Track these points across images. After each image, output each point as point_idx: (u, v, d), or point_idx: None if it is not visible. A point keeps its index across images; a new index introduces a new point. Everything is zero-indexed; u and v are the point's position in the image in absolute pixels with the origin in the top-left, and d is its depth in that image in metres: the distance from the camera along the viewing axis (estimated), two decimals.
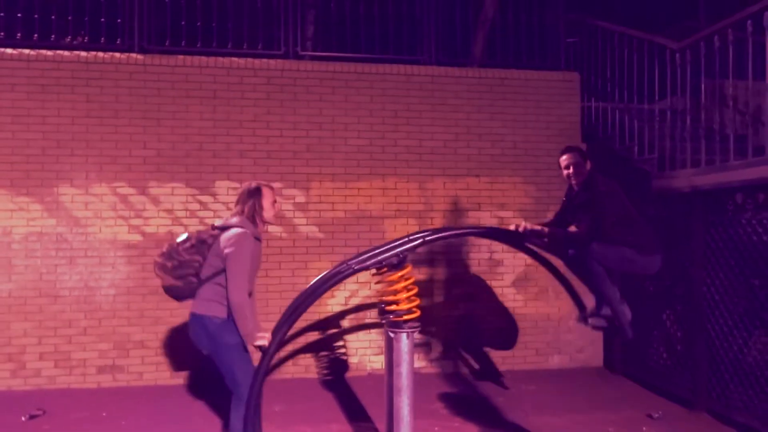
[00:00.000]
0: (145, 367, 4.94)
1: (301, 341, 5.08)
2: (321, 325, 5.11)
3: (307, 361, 5.09)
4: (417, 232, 2.95)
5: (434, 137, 5.28)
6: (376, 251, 2.77)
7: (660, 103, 4.51)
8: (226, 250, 2.88)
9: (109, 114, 4.96)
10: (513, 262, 5.35)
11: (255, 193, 3.05)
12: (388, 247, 2.78)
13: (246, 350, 2.99)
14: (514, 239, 3.38)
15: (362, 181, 5.15)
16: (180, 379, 4.93)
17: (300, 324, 4.92)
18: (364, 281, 5.13)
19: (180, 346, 4.91)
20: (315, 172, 5.12)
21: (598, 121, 5.30)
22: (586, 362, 5.45)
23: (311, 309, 4.63)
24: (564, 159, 3.43)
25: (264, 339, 2.89)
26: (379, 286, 2.90)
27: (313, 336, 5.09)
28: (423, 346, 5.19)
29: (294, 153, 5.10)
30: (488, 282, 5.31)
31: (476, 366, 5.27)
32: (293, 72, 5.17)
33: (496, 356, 5.34)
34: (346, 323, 5.15)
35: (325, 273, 2.84)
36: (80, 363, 4.87)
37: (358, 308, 5.15)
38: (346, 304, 5.15)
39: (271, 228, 5.01)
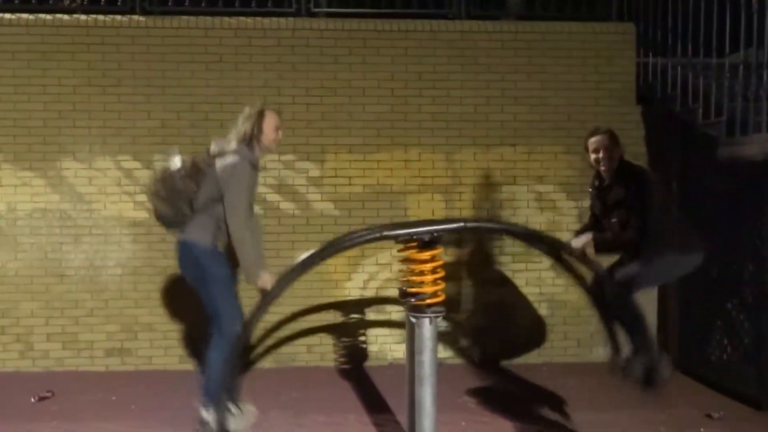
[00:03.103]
0: (154, 351, 4.75)
1: (316, 327, 4.75)
2: (337, 309, 4.77)
3: (324, 348, 4.78)
4: (458, 219, 2.93)
5: (463, 102, 4.76)
6: (411, 223, 2.63)
7: (731, 56, 3.93)
8: (223, 179, 2.83)
9: (112, 82, 4.68)
10: None
11: (256, 116, 2.95)
12: (425, 222, 2.64)
13: (231, 283, 2.94)
14: (556, 250, 2.97)
15: (382, 152, 4.72)
16: (189, 365, 4.70)
17: (314, 308, 4.68)
18: (385, 262, 4.75)
19: (189, 330, 4.69)
20: (330, 143, 4.72)
21: (656, 79, 4.62)
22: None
23: (328, 293, 4.61)
24: (593, 141, 3.08)
25: (266, 281, 2.79)
26: (400, 269, 2.73)
27: (328, 321, 4.77)
28: (449, 335, 4.79)
29: (307, 122, 4.70)
30: (524, 264, 4.82)
31: (509, 357, 4.84)
32: (306, 31, 4.73)
33: (532, 347, 4.88)
34: (365, 308, 4.79)
35: (351, 231, 2.67)
36: (88, 345, 4.72)
37: (378, 292, 4.77)
38: (364, 288, 4.78)
39: (283, 204, 4.71)
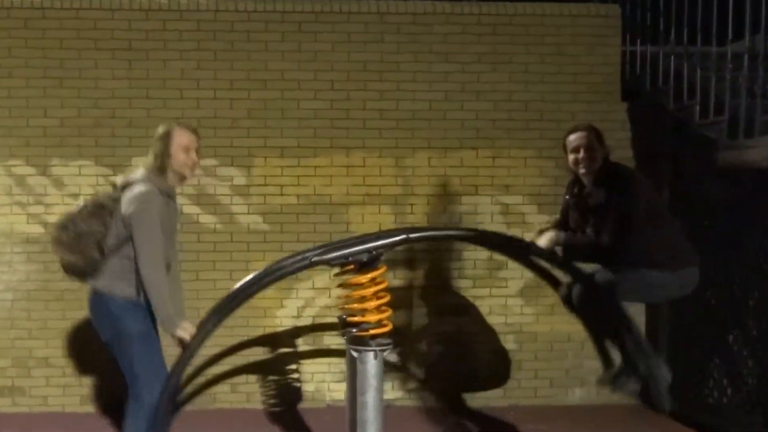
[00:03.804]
0: (51, 390, 4.18)
1: (242, 363, 4.22)
2: (267, 342, 4.25)
3: (250, 387, 4.26)
4: (398, 230, 2.62)
5: (416, 97, 4.28)
6: (343, 243, 2.46)
7: (734, 44, 3.64)
8: (128, 214, 2.63)
9: (2, 73, 4.12)
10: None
11: (163, 136, 2.73)
12: (359, 239, 2.46)
13: (153, 341, 2.72)
14: (518, 250, 2.96)
15: (320, 156, 4.24)
16: (91, 407, 4.19)
17: (239, 340, 4.17)
18: (323, 287, 4.24)
19: (92, 366, 4.14)
20: (258, 146, 4.22)
21: (645, 71, 4.24)
22: (619, 397, 4.26)
23: (255, 323, 4.08)
24: (573, 139, 2.87)
25: (186, 330, 2.58)
26: (340, 294, 2.64)
27: (257, 356, 4.25)
28: (397, 371, 4.32)
29: (232, 121, 4.19)
30: (487, 290, 4.35)
31: (468, 399, 4.36)
32: (230, 13, 4.19)
33: (497, 387, 4.39)
34: (299, 341, 4.28)
35: (274, 263, 2.52)
36: None
37: (315, 322, 4.28)
38: (298, 316, 4.27)
39: (203, 218, 4.19)
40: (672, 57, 3.97)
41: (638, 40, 4.26)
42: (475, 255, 4.24)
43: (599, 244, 2.77)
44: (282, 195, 4.23)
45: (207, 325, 2.46)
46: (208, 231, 4.18)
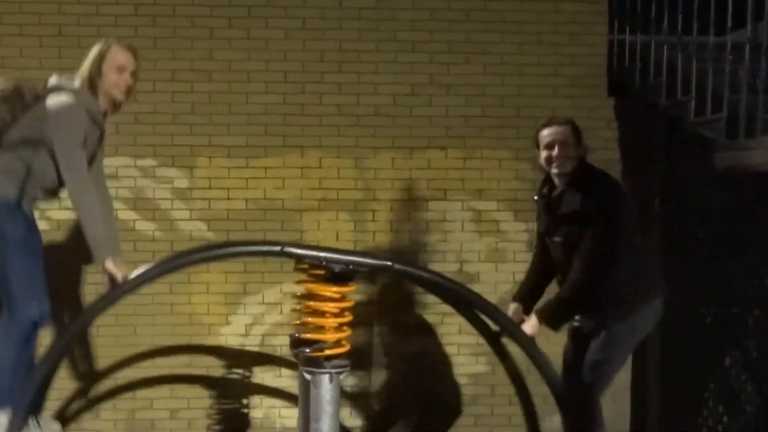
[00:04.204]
0: None
1: (182, 385, 3.90)
2: (211, 363, 3.92)
3: (192, 413, 3.92)
4: (384, 256, 2.84)
5: (379, 91, 3.96)
6: (322, 247, 2.50)
7: (735, 34, 3.42)
8: (50, 122, 2.52)
9: None
10: (495, 276, 4.01)
11: (95, 54, 2.63)
12: (341, 250, 2.48)
13: (33, 254, 2.56)
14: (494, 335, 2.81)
15: (271, 157, 3.93)
16: None
17: (179, 359, 3.87)
18: (273, 301, 3.92)
19: None
20: (203, 144, 3.89)
21: (634, 63, 3.98)
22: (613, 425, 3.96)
23: (197, 341, 3.80)
24: (547, 134, 2.71)
25: (119, 267, 2.46)
26: (295, 307, 2.56)
27: (199, 378, 3.93)
28: (355, 396, 4.02)
29: (173, 116, 3.87)
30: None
31: (435, 426, 4.06)
32: None
33: (468, 413, 4.07)
34: (247, 361, 3.96)
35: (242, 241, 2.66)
36: None
37: (265, 341, 3.96)
38: (246, 335, 3.93)
39: (140, 224, 3.85)
40: (665, 47, 3.72)
41: (627, 29, 3.99)
42: (443, 267, 3.90)
43: (573, 286, 2.58)
44: (228, 199, 3.91)
45: (152, 272, 2.39)
46: (146, 239, 3.86)
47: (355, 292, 3.71)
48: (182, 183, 3.87)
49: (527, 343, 2.60)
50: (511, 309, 2.84)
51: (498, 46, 3.95)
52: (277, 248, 2.34)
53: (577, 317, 2.72)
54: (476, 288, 3.86)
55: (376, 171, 3.97)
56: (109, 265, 2.48)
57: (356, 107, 3.92)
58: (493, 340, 2.71)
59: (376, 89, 3.92)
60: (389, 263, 2.45)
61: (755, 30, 3.28)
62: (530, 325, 2.64)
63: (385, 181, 3.97)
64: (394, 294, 3.98)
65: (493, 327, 2.78)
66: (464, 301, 2.82)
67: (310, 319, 2.39)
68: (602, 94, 4.00)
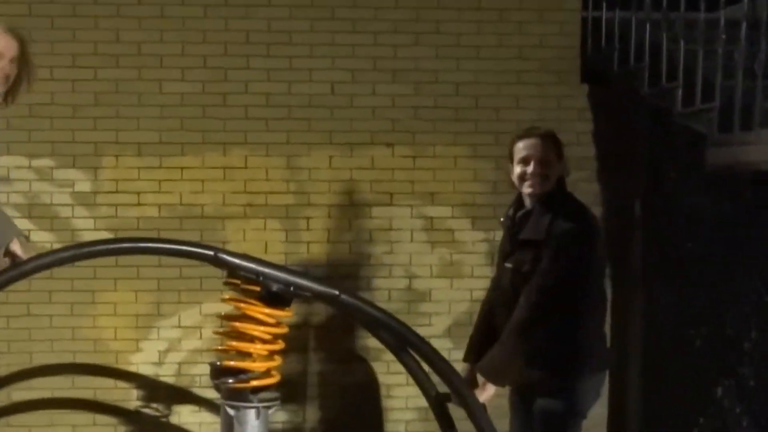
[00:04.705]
0: None
1: (86, 422, 3.60)
2: (120, 395, 3.65)
3: None
4: (333, 284, 2.32)
5: (314, 78, 3.70)
6: (264, 261, 2.21)
7: (730, 9, 3.30)
8: None
9: None
10: (449, 294, 3.77)
11: None
12: (285, 268, 2.25)
13: None
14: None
15: (189, 155, 3.67)
16: None
17: (85, 391, 3.59)
18: (191, 325, 3.64)
19: None
20: (108, 141, 3.62)
21: (611, 44, 3.80)
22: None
23: (104, 372, 3.59)
24: (524, 146, 2.50)
25: (26, 251, 2.28)
26: (217, 330, 2.36)
27: (107, 413, 3.65)
28: None
29: (74, 108, 3.60)
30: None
31: None
32: None
33: None
34: (161, 393, 3.69)
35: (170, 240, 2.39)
36: None
37: (182, 370, 3.69)
38: (160, 363, 3.65)
39: (36, 235, 3.55)
40: (647, 25, 3.52)
41: (604, 4, 3.78)
42: (390, 283, 3.64)
43: (519, 325, 2.33)
44: (139, 205, 3.64)
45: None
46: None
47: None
48: (85, 186, 3.61)
49: (478, 414, 2.26)
50: (463, 373, 2.57)
51: (453, 25, 3.71)
52: (210, 253, 2.14)
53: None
54: (424, 307, 3.68)
55: (311, 171, 3.73)
56: (15, 246, 2.34)
57: (287, 97, 3.67)
58: (439, 403, 2.43)
59: (310, 76, 3.67)
60: (335, 293, 2.24)
61: (753, 4, 3.10)
62: (485, 393, 2.38)
63: (322, 184, 3.73)
64: (333, 316, 3.68)
65: (441, 388, 2.46)
66: (414, 350, 2.48)
67: (234, 344, 2.23)
68: (574, 80, 3.77)
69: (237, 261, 2.16)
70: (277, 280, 2.13)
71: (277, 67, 3.60)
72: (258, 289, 2.17)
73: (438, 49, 3.67)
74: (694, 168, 3.38)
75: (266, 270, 2.14)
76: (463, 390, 2.23)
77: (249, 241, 3.55)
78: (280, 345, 2.24)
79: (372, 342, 3.61)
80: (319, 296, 2.30)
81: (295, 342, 3.53)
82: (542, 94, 3.66)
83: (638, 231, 3.74)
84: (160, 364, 3.60)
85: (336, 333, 3.71)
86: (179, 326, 3.60)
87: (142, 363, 3.58)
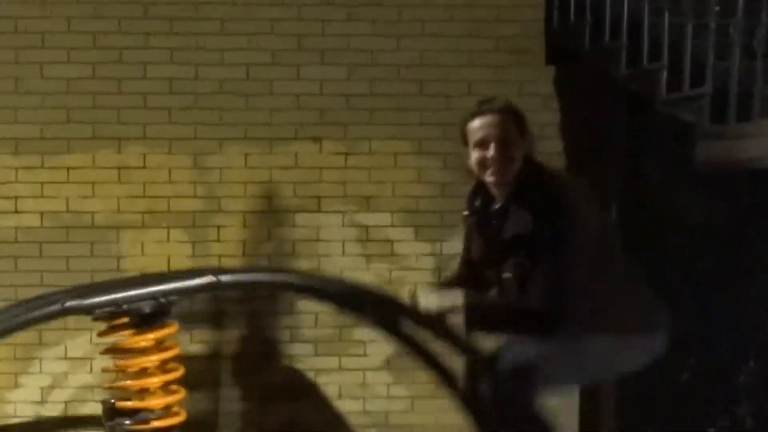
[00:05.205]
0: None
1: None
2: None
3: None
4: (201, 270, 2.40)
5: (227, 60, 3.37)
6: (116, 283, 2.23)
7: None
8: None
9: None
10: None
11: None
12: (140, 280, 2.26)
13: None
14: (384, 312, 2.34)
15: (76, 153, 3.34)
16: None
17: None
18: (80, 356, 3.31)
19: None
20: None
21: (582, 18, 3.37)
22: None
23: None
24: (479, 126, 2.20)
25: None
26: (108, 364, 2.24)
27: None
28: None
29: None
30: (335, 359, 3.45)
31: None
32: None
33: None
34: None
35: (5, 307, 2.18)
36: None
37: (69, 409, 3.34)
38: (43, 401, 3.31)
39: None
40: None
41: None
42: (318, 307, 3.23)
43: (523, 308, 2.23)
44: (16, 213, 3.30)
45: None
46: None
47: (195, 341, 3.18)
48: None
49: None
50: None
51: None
52: (57, 307, 2.00)
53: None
54: (361, 335, 3.33)
55: (223, 172, 3.39)
56: None
57: (194, 83, 3.31)
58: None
59: (222, 57, 3.30)
60: (212, 277, 2.09)
61: None
62: (438, 300, 2.26)
63: (236, 186, 3.37)
64: (251, 344, 3.31)
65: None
66: (314, 292, 2.46)
67: (129, 382, 2.12)
68: (538, 61, 3.44)
69: (87, 301, 1.99)
70: (140, 299, 2.00)
71: (182, 47, 3.28)
72: (128, 319, 2.04)
73: (374, 25, 3.37)
74: (682, 165, 3.05)
75: (122, 295, 2.00)
76: (406, 308, 2.14)
77: (148, 255, 3.22)
78: (176, 372, 2.12)
79: (300, 375, 3.30)
80: (195, 292, 2.18)
81: (205, 376, 3.18)
82: (500, 78, 3.33)
83: (615, 239, 3.38)
84: (42, 402, 3.29)
85: (255, 362, 3.31)
86: (65, 358, 3.28)
87: (20, 402, 3.26)
